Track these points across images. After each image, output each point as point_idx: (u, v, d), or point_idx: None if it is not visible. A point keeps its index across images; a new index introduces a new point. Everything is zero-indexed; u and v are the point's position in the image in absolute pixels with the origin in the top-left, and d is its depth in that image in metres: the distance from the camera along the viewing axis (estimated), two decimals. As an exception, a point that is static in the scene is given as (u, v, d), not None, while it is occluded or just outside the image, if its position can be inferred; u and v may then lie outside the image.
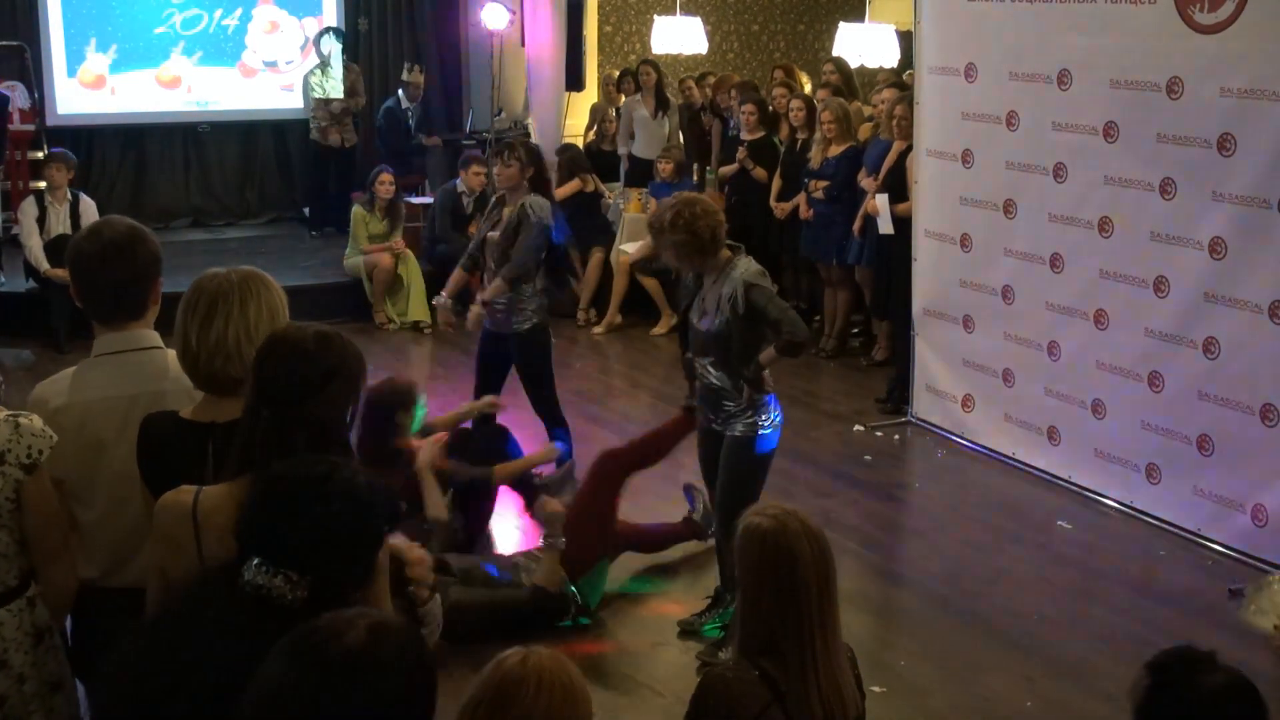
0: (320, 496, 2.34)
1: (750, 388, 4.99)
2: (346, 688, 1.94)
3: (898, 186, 8.21)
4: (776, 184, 9.78)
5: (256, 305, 2.97)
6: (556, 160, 10.93)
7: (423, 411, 5.92)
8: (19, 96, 11.44)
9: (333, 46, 12.35)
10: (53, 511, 3.05)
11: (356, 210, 10.79)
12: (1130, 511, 6.58)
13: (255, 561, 2.32)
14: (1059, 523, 6.58)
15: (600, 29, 13.47)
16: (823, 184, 9.18)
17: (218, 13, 13.00)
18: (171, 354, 3.19)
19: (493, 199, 7.03)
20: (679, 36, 12.00)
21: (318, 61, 12.43)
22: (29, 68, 11.93)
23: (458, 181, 10.65)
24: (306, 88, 12.46)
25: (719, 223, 5.01)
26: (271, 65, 13.28)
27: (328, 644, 1.97)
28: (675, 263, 5.15)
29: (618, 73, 12.15)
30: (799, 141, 9.67)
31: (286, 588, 2.29)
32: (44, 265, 9.46)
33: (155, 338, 3.29)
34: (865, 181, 8.74)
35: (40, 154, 11.09)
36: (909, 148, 8.05)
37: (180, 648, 2.32)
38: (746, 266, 5.00)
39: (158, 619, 2.50)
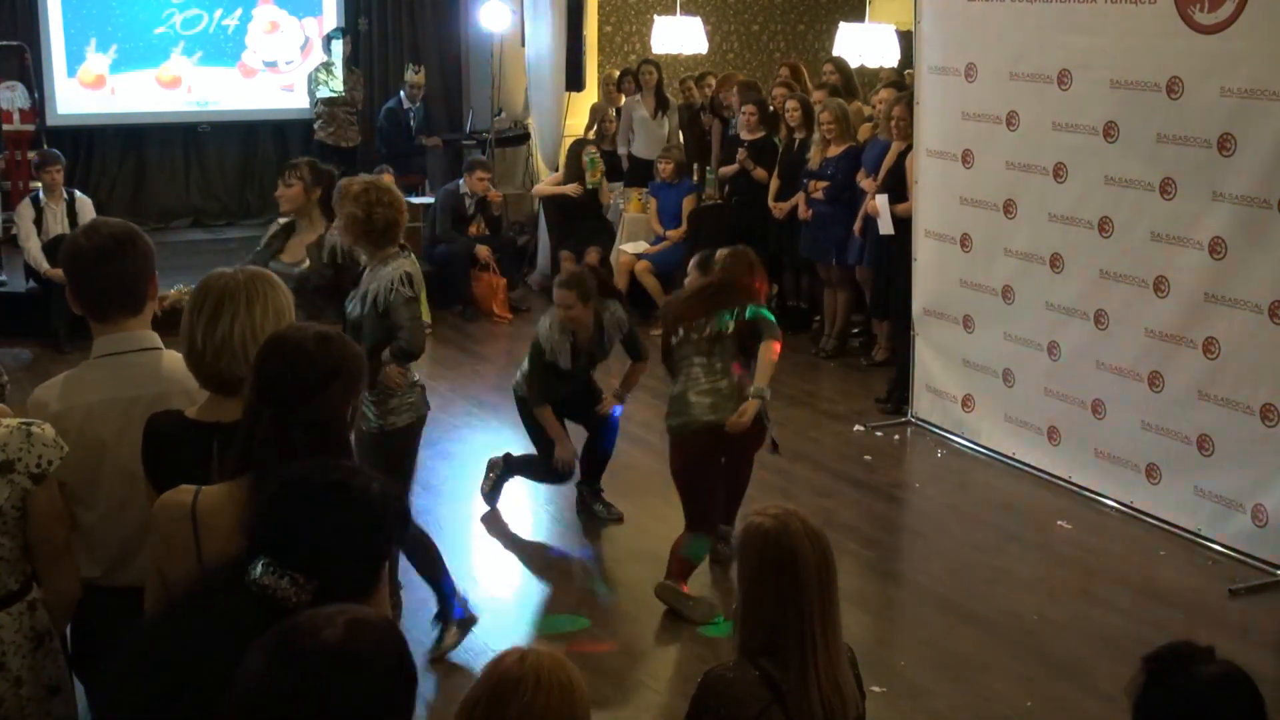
0: (335, 503, 2.36)
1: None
2: (324, 684, 1.93)
3: (897, 187, 8.21)
4: (774, 184, 9.78)
5: (262, 305, 2.98)
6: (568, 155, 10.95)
7: None
8: (19, 96, 11.45)
9: (340, 49, 12.34)
10: (58, 521, 3.06)
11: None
12: (1130, 511, 6.58)
13: (263, 561, 2.32)
14: (1059, 523, 6.58)
15: (600, 29, 13.47)
16: (822, 184, 9.18)
17: (218, 13, 13.01)
18: (171, 355, 3.20)
19: (278, 225, 6.09)
20: (679, 36, 12.01)
21: (322, 60, 12.43)
22: (29, 68, 11.93)
23: (460, 182, 10.69)
24: (312, 84, 12.44)
25: (396, 222, 5.11)
26: (271, 65, 13.29)
27: (306, 640, 1.96)
28: (342, 234, 5.20)
29: (618, 73, 12.16)
30: (797, 142, 9.68)
31: (292, 590, 2.29)
32: (44, 266, 9.45)
33: (154, 338, 3.29)
34: (864, 182, 8.74)
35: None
36: (908, 148, 8.05)
37: (182, 646, 2.32)
38: (398, 266, 5.07)
39: (160, 616, 2.50)
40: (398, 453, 5.18)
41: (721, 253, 6.00)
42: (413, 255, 5.19)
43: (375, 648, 1.98)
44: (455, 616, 5.31)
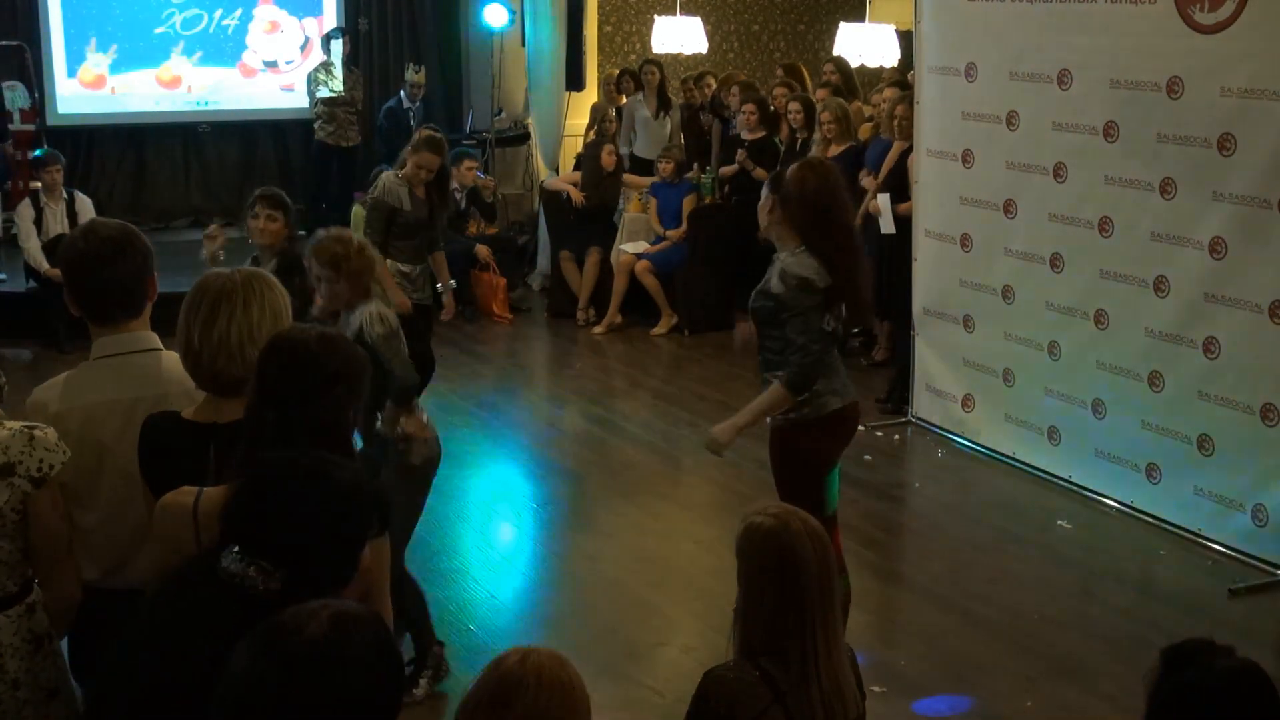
0: (303, 491, 2.35)
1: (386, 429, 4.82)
2: (309, 680, 1.93)
3: (899, 186, 8.21)
4: (776, 184, 9.76)
5: (259, 306, 2.97)
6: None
7: None
8: (19, 96, 11.45)
9: (339, 49, 12.33)
10: (58, 525, 3.05)
11: (357, 210, 10.78)
12: (1130, 511, 6.58)
13: (234, 550, 2.33)
14: (1059, 523, 6.58)
15: (600, 29, 13.47)
16: (822, 184, 9.16)
17: (218, 13, 13.00)
18: (171, 355, 3.19)
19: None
20: (679, 36, 12.01)
21: (322, 60, 12.43)
22: (29, 68, 11.92)
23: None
24: (311, 84, 12.44)
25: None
26: (272, 65, 13.28)
27: (290, 636, 1.96)
28: (347, 292, 4.90)
29: (618, 72, 12.16)
30: (799, 141, 9.68)
31: (259, 578, 2.29)
32: (44, 266, 9.45)
33: (154, 339, 3.28)
34: (866, 181, 8.74)
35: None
36: (910, 147, 8.05)
37: (161, 638, 2.34)
38: (365, 309, 4.82)
39: (143, 609, 2.51)
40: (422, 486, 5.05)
41: (793, 175, 4.80)
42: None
43: (360, 642, 1.98)
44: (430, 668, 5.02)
